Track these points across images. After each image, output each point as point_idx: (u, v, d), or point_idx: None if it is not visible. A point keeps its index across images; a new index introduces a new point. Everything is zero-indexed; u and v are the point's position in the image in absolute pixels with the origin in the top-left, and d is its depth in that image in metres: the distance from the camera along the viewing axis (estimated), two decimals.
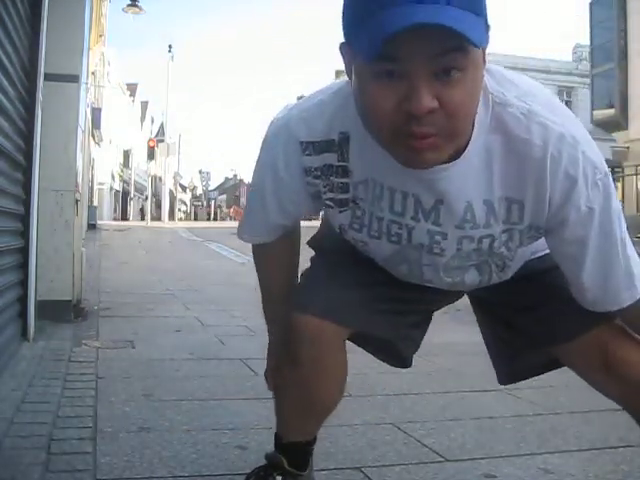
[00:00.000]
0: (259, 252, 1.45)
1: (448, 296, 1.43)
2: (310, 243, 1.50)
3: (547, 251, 1.28)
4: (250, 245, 1.45)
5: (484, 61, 0.99)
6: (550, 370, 1.45)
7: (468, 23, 0.90)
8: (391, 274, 1.35)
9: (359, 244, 1.29)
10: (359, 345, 1.47)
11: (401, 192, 1.16)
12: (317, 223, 1.52)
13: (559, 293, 1.27)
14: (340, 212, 1.24)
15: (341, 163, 1.18)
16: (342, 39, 1.02)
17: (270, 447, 1.53)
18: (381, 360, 1.54)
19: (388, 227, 1.21)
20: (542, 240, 1.25)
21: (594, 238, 1.12)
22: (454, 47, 0.91)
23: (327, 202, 1.24)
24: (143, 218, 26.31)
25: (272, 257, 1.43)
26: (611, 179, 1.13)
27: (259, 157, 1.28)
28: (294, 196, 1.26)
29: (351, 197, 1.21)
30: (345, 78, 1.12)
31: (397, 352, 1.47)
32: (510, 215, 1.14)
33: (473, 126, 1.05)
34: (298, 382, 1.36)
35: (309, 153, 1.19)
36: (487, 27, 0.97)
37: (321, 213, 1.41)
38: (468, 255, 1.21)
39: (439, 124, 0.96)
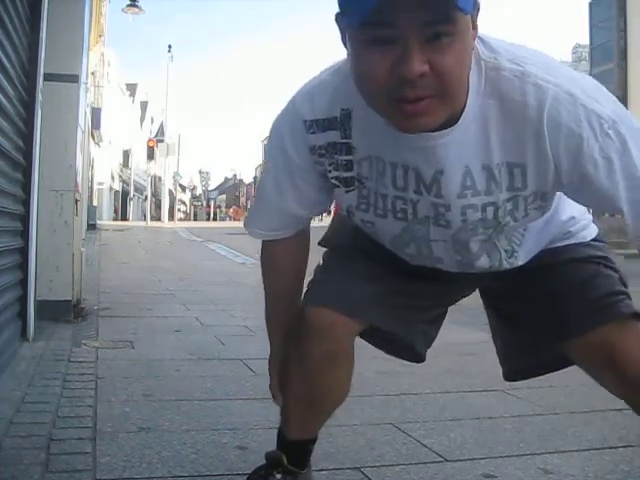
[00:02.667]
0: (268, 252, 1.43)
1: (462, 287, 1.44)
2: (321, 242, 1.50)
3: (562, 243, 1.30)
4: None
5: (474, 28, 1.02)
6: (559, 369, 1.44)
7: None
8: (404, 266, 1.35)
9: (367, 225, 1.29)
10: (369, 340, 1.46)
11: (402, 166, 1.16)
12: (326, 224, 1.51)
13: (571, 288, 1.28)
14: (347, 192, 1.25)
15: (344, 140, 1.19)
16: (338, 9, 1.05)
17: (270, 447, 1.53)
18: (392, 355, 1.53)
19: (393, 203, 1.22)
20: (557, 230, 1.26)
21: (622, 182, 1.08)
22: (443, 13, 0.93)
23: (333, 181, 1.25)
24: (145, 218, 26.32)
25: (282, 259, 1.42)
26: (623, 118, 1.07)
27: (269, 140, 1.30)
28: (305, 175, 1.27)
29: (355, 175, 1.22)
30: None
31: (410, 347, 1.47)
32: (513, 180, 1.13)
33: (468, 93, 1.07)
34: (307, 376, 1.37)
35: (313, 131, 1.22)
36: None
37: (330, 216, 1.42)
38: (474, 227, 1.20)
39: (430, 88, 0.98)
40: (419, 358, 1.51)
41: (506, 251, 1.26)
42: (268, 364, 1.52)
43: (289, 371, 1.42)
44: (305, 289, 1.43)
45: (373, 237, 1.35)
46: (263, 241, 1.43)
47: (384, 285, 1.37)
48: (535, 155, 1.09)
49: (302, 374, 1.37)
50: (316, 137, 1.22)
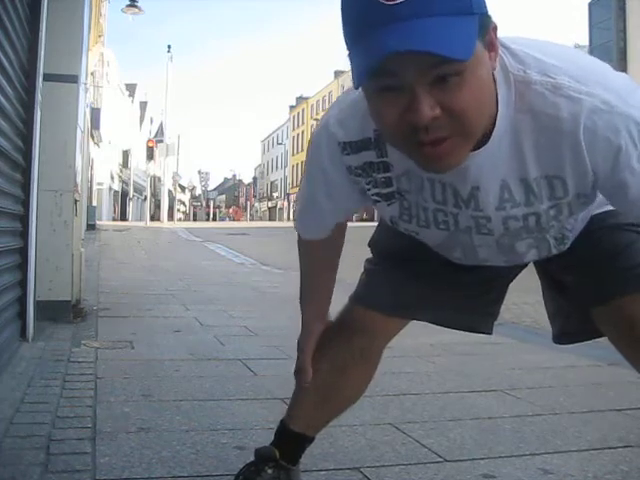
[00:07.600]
0: (306, 245, 1.48)
1: (513, 269, 1.44)
2: (370, 244, 1.55)
3: (600, 210, 1.28)
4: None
5: (492, 49, 0.97)
6: (593, 337, 1.44)
7: (449, 38, 0.88)
8: (450, 262, 1.38)
9: (412, 234, 1.31)
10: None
11: (439, 182, 1.16)
12: (373, 224, 1.53)
13: (604, 255, 1.28)
14: (388, 205, 1.26)
15: (381, 159, 1.19)
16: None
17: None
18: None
19: (435, 216, 1.23)
20: (600, 200, 1.23)
21: None
22: (441, 60, 0.89)
23: (374, 197, 1.26)
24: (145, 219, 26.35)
25: (317, 253, 1.47)
26: None
27: (307, 157, 1.32)
28: (343, 190, 1.28)
29: (396, 190, 1.22)
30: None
31: (470, 330, 1.55)
32: (554, 191, 1.12)
33: (497, 108, 1.04)
34: (336, 367, 1.45)
35: (348, 152, 1.22)
36: (483, 20, 0.93)
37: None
38: (517, 233, 1.21)
39: (448, 127, 0.95)
40: (486, 333, 1.56)
41: (556, 239, 1.25)
42: (299, 341, 1.49)
43: (318, 361, 1.46)
44: (356, 288, 1.51)
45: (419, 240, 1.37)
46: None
47: (431, 283, 1.42)
48: (573, 166, 1.07)
49: (333, 364, 1.45)
50: (351, 158, 1.21)
